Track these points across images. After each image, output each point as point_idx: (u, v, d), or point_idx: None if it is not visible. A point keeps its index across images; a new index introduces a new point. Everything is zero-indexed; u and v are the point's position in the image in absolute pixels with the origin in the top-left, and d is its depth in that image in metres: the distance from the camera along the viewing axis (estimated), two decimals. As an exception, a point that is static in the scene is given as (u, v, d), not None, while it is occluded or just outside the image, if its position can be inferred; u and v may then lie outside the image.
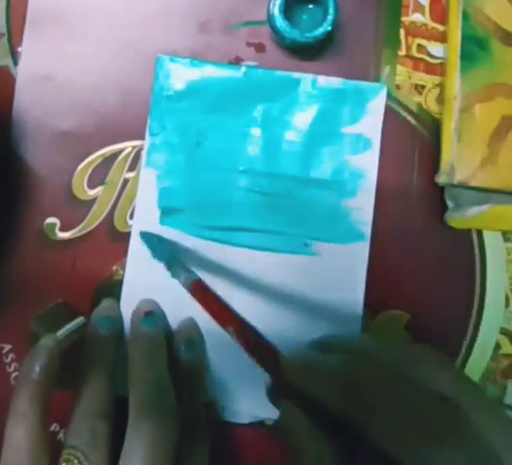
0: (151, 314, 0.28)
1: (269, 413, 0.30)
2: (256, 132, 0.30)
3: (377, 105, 0.30)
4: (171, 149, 0.30)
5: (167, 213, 0.30)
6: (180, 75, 0.30)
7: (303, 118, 0.30)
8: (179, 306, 0.30)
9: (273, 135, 0.30)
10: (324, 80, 0.30)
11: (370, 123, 0.30)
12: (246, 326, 0.25)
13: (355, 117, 0.30)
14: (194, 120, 0.30)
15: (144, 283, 0.30)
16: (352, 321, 0.30)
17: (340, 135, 0.30)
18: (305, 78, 0.30)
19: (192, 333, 0.29)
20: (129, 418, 0.24)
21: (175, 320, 0.30)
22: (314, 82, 0.30)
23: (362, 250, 0.30)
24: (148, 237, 0.30)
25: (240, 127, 0.30)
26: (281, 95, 0.30)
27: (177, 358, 0.28)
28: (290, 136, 0.30)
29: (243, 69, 0.30)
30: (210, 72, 0.30)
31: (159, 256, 0.29)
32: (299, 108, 0.30)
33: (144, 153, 0.30)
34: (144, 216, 0.30)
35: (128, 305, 0.30)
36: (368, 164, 0.30)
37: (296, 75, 0.30)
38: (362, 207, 0.30)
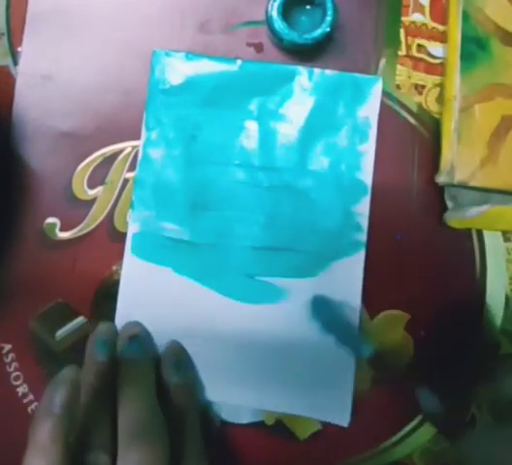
0: (136, 338, 0.28)
1: (268, 412, 0.30)
2: (252, 125, 0.30)
3: (373, 97, 0.30)
4: (167, 143, 0.30)
5: (164, 208, 0.30)
6: (176, 69, 0.30)
7: (299, 111, 0.30)
8: (177, 307, 0.30)
9: (269, 128, 0.30)
10: (320, 73, 0.30)
11: (367, 115, 0.30)
12: None
13: (351, 109, 0.30)
14: (190, 114, 0.30)
15: (141, 285, 0.30)
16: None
17: (336, 127, 0.30)
18: (301, 71, 0.30)
19: (180, 355, 0.29)
20: (118, 447, 0.24)
21: (173, 321, 0.30)
22: (310, 75, 0.30)
23: (359, 242, 0.30)
24: (321, 306, 0.29)
25: (235, 120, 0.30)
26: (277, 88, 0.30)
27: (166, 381, 0.28)
28: (286, 129, 0.30)
29: (239, 62, 0.30)
30: (206, 66, 0.30)
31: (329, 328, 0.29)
32: (295, 101, 0.30)
33: (140, 148, 0.30)
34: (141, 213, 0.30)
35: (125, 308, 0.30)
36: (365, 156, 0.30)
37: (291, 67, 0.30)
38: (359, 200, 0.30)
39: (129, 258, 0.30)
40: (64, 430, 0.23)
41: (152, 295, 0.30)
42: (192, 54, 0.30)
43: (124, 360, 0.27)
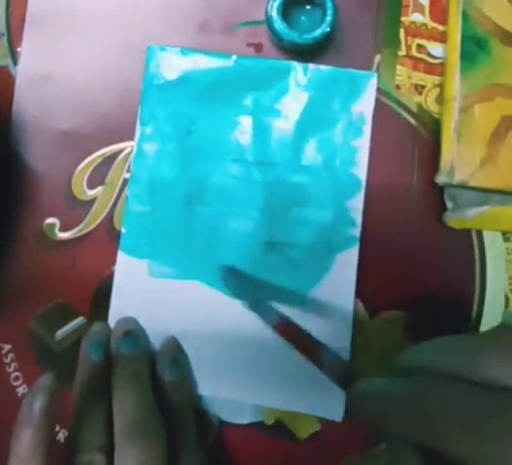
0: (130, 334, 0.28)
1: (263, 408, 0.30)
2: (247, 120, 0.30)
3: (368, 92, 0.30)
4: (162, 138, 0.30)
5: (158, 203, 0.30)
6: (171, 64, 0.30)
7: (294, 106, 0.30)
8: (172, 303, 0.30)
9: (264, 123, 0.30)
10: (314, 68, 0.30)
11: (361, 111, 0.30)
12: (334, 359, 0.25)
13: (346, 105, 0.30)
14: (185, 109, 0.30)
15: (135, 281, 0.30)
16: (343, 322, 0.30)
17: (331, 122, 0.30)
18: (296, 66, 0.30)
19: (176, 353, 0.29)
20: (115, 446, 0.24)
21: (167, 317, 0.30)
22: (305, 70, 0.30)
23: (353, 238, 0.30)
24: (229, 274, 0.29)
25: (230, 116, 0.30)
26: (272, 83, 0.30)
27: (162, 378, 0.27)
28: (281, 124, 0.30)
29: (234, 57, 0.30)
30: (201, 60, 0.30)
31: (240, 294, 0.29)
32: (290, 96, 0.30)
33: (135, 143, 0.30)
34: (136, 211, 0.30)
35: (119, 304, 0.30)
36: (359, 151, 0.30)
37: (286, 63, 0.30)
38: (353, 195, 0.30)
39: (123, 254, 0.30)
40: (45, 438, 0.22)
41: (146, 292, 0.30)
42: (187, 49, 0.30)
43: (119, 357, 0.27)
